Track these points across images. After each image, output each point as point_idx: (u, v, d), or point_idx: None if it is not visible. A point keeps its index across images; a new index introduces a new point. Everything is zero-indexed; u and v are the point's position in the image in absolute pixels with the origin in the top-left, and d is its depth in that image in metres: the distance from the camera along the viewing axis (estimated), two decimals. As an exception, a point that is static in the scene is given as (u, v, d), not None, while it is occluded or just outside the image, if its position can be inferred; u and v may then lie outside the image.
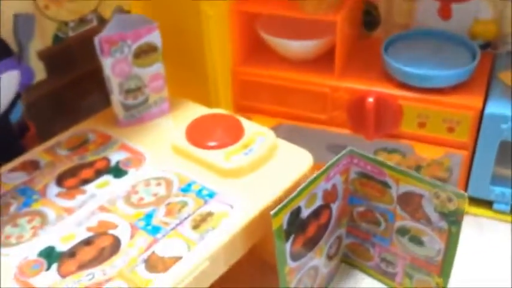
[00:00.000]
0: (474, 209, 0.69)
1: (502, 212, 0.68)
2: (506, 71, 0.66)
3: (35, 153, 0.60)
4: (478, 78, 0.66)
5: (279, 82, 0.70)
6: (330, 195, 0.56)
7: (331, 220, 0.58)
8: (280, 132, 0.72)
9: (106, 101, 0.63)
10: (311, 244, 0.56)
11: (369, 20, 0.75)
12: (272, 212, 0.49)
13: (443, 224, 0.53)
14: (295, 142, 0.70)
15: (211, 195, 0.54)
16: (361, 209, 0.60)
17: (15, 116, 0.62)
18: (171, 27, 0.68)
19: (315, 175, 0.52)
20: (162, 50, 0.62)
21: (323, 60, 0.70)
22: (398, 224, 0.57)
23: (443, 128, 0.65)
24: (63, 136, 0.63)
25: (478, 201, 0.68)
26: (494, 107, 0.62)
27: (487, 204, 0.68)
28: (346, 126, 0.70)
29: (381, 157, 0.70)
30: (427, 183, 0.52)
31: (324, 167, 0.53)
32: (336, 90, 0.68)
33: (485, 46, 0.70)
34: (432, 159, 0.67)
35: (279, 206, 0.49)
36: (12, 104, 0.61)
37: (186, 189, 0.55)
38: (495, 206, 0.68)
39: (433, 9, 0.70)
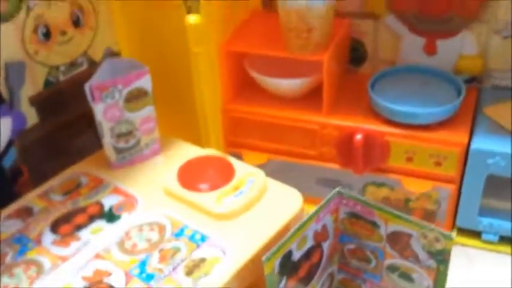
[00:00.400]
0: (463, 240, 0.70)
1: (490, 242, 0.69)
2: (491, 106, 0.68)
3: (29, 199, 0.61)
4: (464, 113, 0.67)
5: (268, 119, 0.72)
6: (320, 235, 0.57)
7: (322, 259, 0.59)
8: (271, 167, 0.74)
9: (97, 141, 0.64)
10: (303, 284, 0.57)
11: (356, 56, 0.76)
12: (264, 258, 0.49)
13: (432, 263, 0.54)
14: (286, 177, 0.71)
15: (203, 239, 0.55)
16: (351, 246, 0.61)
17: (8, 161, 0.63)
18: (160, 67, 0.69)
19: (304, 219, 0.53)
20: (152, 93, 0.63)
21: (312, 97, 0.71)
22: (388, 261, 0.58)
23: (431, 163, 0.66)
24: (56, 180, 0.63)
25: (466, 232, 0.70)
26: (480, 143, 0.63)
27: (476, 234, 0.69)
28: (336, 161, 0.71)
29: (370, 191, 0.72)
30: (415, 224, 0.53)
31: (314, 210, 0.54)
32: (325, 127, 0.69)
33: (471, 80, 0.72)
34: (420, 192, 0.68)
35: (271, 251, 0.50)
36: (5, 149, 0.62)
37: (178, 234, 0.56)
38: (483, 236, 0.69)
39: (418, 45, 0.71)
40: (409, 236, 0.54)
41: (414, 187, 0.68)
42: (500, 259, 0.68)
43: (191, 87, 0.69)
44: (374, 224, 0.57)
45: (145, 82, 0.62)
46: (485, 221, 0.68)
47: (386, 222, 0.56)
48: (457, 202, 0.68)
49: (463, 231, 0.70)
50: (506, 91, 0.70)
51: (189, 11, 0.68)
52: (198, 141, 0.71)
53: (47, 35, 0.62)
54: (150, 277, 0.51)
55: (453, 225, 0.70)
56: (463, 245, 0.70)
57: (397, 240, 0.56)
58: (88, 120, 0.63)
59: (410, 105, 0.65)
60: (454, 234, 0.69)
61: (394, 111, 0.66)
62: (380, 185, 0.70)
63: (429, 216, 0.70)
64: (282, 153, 0.74)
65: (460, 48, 0.70)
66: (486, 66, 0.70)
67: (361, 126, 0.67)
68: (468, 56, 0.70)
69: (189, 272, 0.51)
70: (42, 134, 0.65)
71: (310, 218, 0.54)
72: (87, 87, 0.59)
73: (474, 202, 0.67)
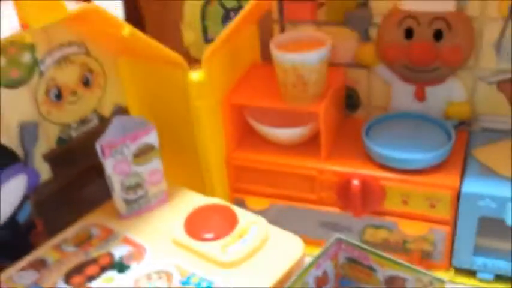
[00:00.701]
0: (459, 279, 0.72)
1: (486, 281, 0.71)
2: (480, 148, 0.71)
3: (43, 251, 0.64)
4: (455, 157, 0.70)
5: (269, 166, 0.75)
6: (321, 281, 0.60)
7: (324, 303, 0.61)
8: (274, 211, 0.77)
9: (106, 190, 0.68)
10: (306, 328, 0.59)
11: (351, 102, 0.80)
12: (267, 305, 0.52)
13: (428, 305, 0.57)
14: (288, 220, 0.74)
15: (209, 287, 0.58)
16: (351, 289, 0.63)
17: (23, 216, 0.66)
18: (166, 120, 0.73)
19: (305, 266, 0.56)
20: (159, 147, 0.67)
21: (311, 143, 0.75)
22: (386, 304, 0.61)
23: (425, 206, 0.69)
24: (69, 232, 0.67)
25: (463, 271, 0.72)
26: (471, 186, 0.66)
27: (472, 273, 0.72)
28: (335, 205, 0.74)
29: (370, 233, 0.74)
30: (409, 268, 0.56)
31: (314, 257, 0.57)
32: (323, 173, 0.72)
33: (460, 124, 0.75)
34: (417, 234, 0.71)
35: (273, 299, 0.53)
36: (20, 204, 0.65)
37: (186, 282, 0.59)
38: (479, 275, 0.71)
39: (408, 92, 0.75)
40: (405, 280, 0.57)
41: (410, 229, 0.71)
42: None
43: (195, 139, 0.73)
44: (371, 269, 0.60)
45: (152, 138, 0.65)
46: (480, 260, 0.70)
47: (383, 267, 0.58)
48: (452, 243, 0.71)
49: (459, 271, 0.72)
50: (495, 133, 0.74)
51: (184, 50, 0.71)
52: (203, 189, 0.75)
53: (59, 96, 0.66)
54: (159, 326, 0.54)
55: (450, 265, 0.72)
56: (460, 283, 0.72)
57: (393, 283, 0.59)
58: (97, 171, 0.67)
59: (404, 151, 0.69)
60: (447, 277, 0.71)
61: (388, 157, 0.69)
62: (378, 227, 0.73)
63: (426, 256, 0.72)
64: (284, 198, 0.77)
65: (449, 94, 0.73)
66: (474, 111, 0.74)
67: (358, 171, 0.71)
68: (456, 102, 0.74)
69: (197, 320, 0.54)
70: (55, 188, 0.69)
71: (310, 265, 0.57)
72: (97, 145, 0.63)
73: (468, 243, 0.69)
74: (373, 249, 0.58)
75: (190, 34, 0.93)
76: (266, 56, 0.78)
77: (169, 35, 0.94)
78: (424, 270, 0.55)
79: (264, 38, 0.79)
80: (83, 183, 0.73)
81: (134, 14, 1.01)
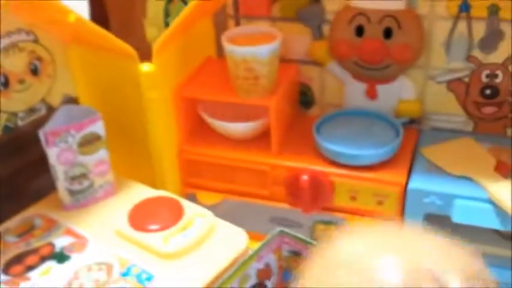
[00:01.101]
0: (407, 276, 0.72)
1: (433, 278, 0.71)
2: (429, 147, 0.72)
3: (-16, 241, 0.63)
4: (403, 154, 0.71)
5: (221, 161, 0.75)
6: (264, 273, 0.60)
7: (267, 296, 0.61)
8: (226, 206, 0.77)
9: (53, 184, 0.67)
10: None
11: (305, 100, 0.80)
12: (204, 296, 0.52)
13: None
14: (240, 216, 0.74)
15: (149, 278, 0.57)
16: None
17: (-35, 204, 0.65)
18: (116, 112, 0.73)
19: (244, 258, 0.56)
20: (105, 137, 0.66)
21: (263, 138, 0.75)
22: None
23: (373, 202, 0.70)
24: (12, 222, 0.65)
25: (410, 269, 0.72)
26: (417, 182, 0.67)
27: (419, 270, 0.72)
28: (286, 201, 0.74)
29: (320, 228, 0.74)
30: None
31: (254, 250, 0.57)
32: (275, 168, 0.72)
33: (411, 122, 0.76)
34: (365, 230, 0.71)
35: (211, 290, 0.53)
36: (-38, 193, 0.64)
37: (126, 274, 0.58)
38: (426, 272, 0.71)
39: (361, 90, 0.75)
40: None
41: (358, 225, 0.71)
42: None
43: (146, 131, 0.72)
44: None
45: (98, 127, 0.65)
46: (427, 257, 0.70)
47: (324, 260, 0.58)
48: (400, 239, 0.71)
49: (407, 267, 0.73)
50: (444, 133, 0.74)
51: (146, 45, 0.71)
52: (153, 183, 0.74)
53: (6, 83, 0.65)
54: (95, 317, 0.53)
55: (398, 262, 0.73)
56: (408, 280, 0.73)
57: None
58: (45, 163, 0.66)
59: (353, 147, 0.69)
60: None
61: (337, 153, 0.69)
62: (327, 223, 0.73)
63: (375, 253, 0.73)
64: (236, 193, 0.76)
65: (399, 92, 0.74)
66: (424, 109, 0.75)
67: (307, 167, 0.71)
68: (407, 100, 0.74)
69: (134, 311, 0.54)
70: (0, 178, 0.68)
71: (251, 257, 0.57)
72: (41, 133, 0.62)
73: (415, 239, 0.70)
74: (315, 242, 0.58)
75: (153, 30, 0.93)
76: (222, 52, 0.78)
77: (133, 31, 0.94)
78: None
79: (220, 34, 0.79)
80: (30, 175, 0.72)
81: (99, 10, 1.01)
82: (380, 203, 0.69)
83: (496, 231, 0.71)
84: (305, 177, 0.70)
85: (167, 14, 0.92)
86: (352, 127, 0.73)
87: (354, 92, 0.76)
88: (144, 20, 0.93)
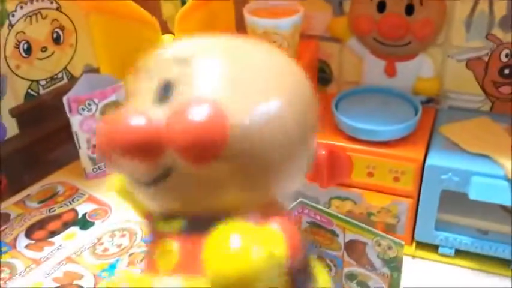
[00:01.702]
0: (421, 253, 0.73)
1: (447, 256, 0.72)
2: (446, 125, 0.72)
3: (6, 206, 0.64)
4: (421, 132, 0.71)
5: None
6: (283, 244, 0.61)
7: (285, 266, 0.62)
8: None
9: (76, 153, 0.67)
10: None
11: (323, 76, 0.80)
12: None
13: (386, 270, 0.57)
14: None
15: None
16: (313, 255, 0.64)
17: (-13, 169, 0.66)
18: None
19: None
20: (127, 107, 0.66)
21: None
22: (346, 270, 0.61)
23: (390, 178, 0.70)
24: (33, 189, 0.66)
25: (424, 245, 0.73)
26: (435, 159, 0.67)
27: (433, 247, 0.73)
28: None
29: (336, 204, 0.75)
30: (369, 231, 0.57)
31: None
32: (292, 143, 0.73)
33: (428, 101, 0.76)
34: (381, 206, 0.72)
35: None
36: (-16, 158, 0.65)
37: (148, 240, 0.59)
38: (440, 250, 0.72)
39: (379, 67, 0.76)
40: (365, 244, 0.58)
41: (375, 201, 0.72)
42: (456, 272, 0.72)
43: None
44: (333, 233, 0.60)
45: (120, 96, 0.65)
46: (442, 235, 0.71)
47: (344, 231, 0.59)
48: (415, 216, 0.72)
49: (421, 245, 0.73)
50: (462, 112, 0.75)
51: (162, 23, 0.72)
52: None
53: (28, 50, 0.66)
54: (118, 279, 0.54)
55: (412, 239, 0.74)
56: (421, 258, 0.74)
57: (354, 248, 0.59)
58: (67, 132, 0.67)
59: (371, 123, 0.70)
60: (409, 251, 0.72)
61: (356, 129, 0.70)
62: (344, 199, 0.74)
63: (390, 229, 0.73)
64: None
65: (418, 70, 0.74)
66: (442, 88, 0.75)
67: (325, 142, 0.71)
68: (425, 78, 0.75)
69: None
70: (21, 145, 0.68)
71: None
72: (65, 100, 0.63)
73: (430, 217, 0.70)
74: (334, 213, 0.59)
75: (169, 6, 0.93)
76: (241, 28, 0.78)
77: (150, 7, 0.94)
78: (383, 234, 0.56)
79: (240, 9, 0.79)
80: (51, 144, 0.73)
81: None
82: (397, 179, 0.70)
83: (510, 212, 0.72)
84: (323, 151, 0.70)
85: (184, -10, 0.92)
86: (370, 104, 0.74)
87: (373, 69, 0.76)
88: (161, -4, 0.93)
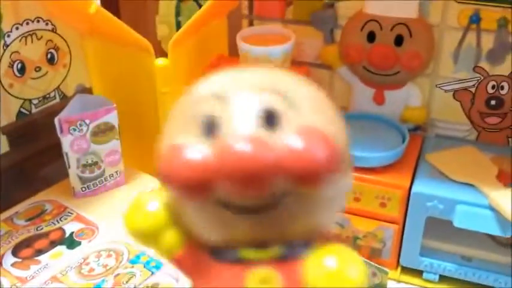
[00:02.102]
0: (406, 278, 0.74)
1: (431, 281, 0.73)
2: (433, 153, 0.74)
3: (-6, 222, 0.64)
4: (408, 159, 0.73)
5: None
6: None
7: None
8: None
9: (65, 171, 0.68)
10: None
11: (313, 101, 0.82)
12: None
13: (370, 296, 0.58)
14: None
15: (158, 266, 0.58)
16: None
17: (-23, 186, 0.66)
18: (129, 104, 0.74)
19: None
20: (118, 128, 0.67)
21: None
22: (330, 294, 0.62)
23: (376, 204, 0.71)
24: (22, 206, 0.67)
25: (409, 270, 0.74)
26: (421, 187, 0.69)
27: (418, 273, 0.74)
28: (290, 199, 0.75)
29: (322, 228, 0.76)
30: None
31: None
32: (280, 167, 0.74)
33: (416, 129, 0.78)
34: (367, 231, 0.73)
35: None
36: (-26, 175, 0.65)
37: (134, 261, 0.59)
38: (425, 275, 0.73)
39: (368, 95, 0.77)
40: (349, 270, 0.59)
41: (361, 226, 0.73)
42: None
43: (158, 124, 0.74)
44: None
45: (112, 118, 0.66)
46: (426, 261, 0.72)
47: (329, 257, 0.60)
48: (400, 242, 0.73)
49: (406, 270, 0.74)
50: (448, 140, 0.76)
51: (156, 44, 0.73)
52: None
53: (22, 70, 0.67)
54: (103, 300, 0.54)
55: (397, 264, 0.74)
56: (406, 283, 0.74)
57: (338, 273, 0.60)
58: (57, 151, 0.67)
59: (359, 150, 0.71)
60: (394, 276, 0.73)
61: (344, 155, 0.71)
62: (331, 223, 0.75)
63: (375, 254, 0.74)
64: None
65: (406, 99, 0.76)
66: (430, 116, 0.77)
67: (314, 167, 0.72)
68: (413, 107, 0.76)
69: (142, 297, 0.55)
70: (12, 162, 0.69)
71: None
72: (56, 120, 0.63)
73: (415, 242, 0.71)
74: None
75: (163, 28, 0.94)
76: (233, 51, 0.80)
77: (144, 28, 0.95)
78: (367, 261, 0.57)
79: (233, 34, 0.80)
80: (42, 162, 0.73)
81: (111, 5, 1.02)
82: (383, 205, 0.71)
83: (494, 240, 0.73)
84: (311, 176, 0.71)
85: (178, 13, 0.93)
86: (358, 130, 0.75)
87: (362, 97, 0.78)
88: (156, 17, 0.94)
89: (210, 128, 0.29)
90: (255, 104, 0.29)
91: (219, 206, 0.29)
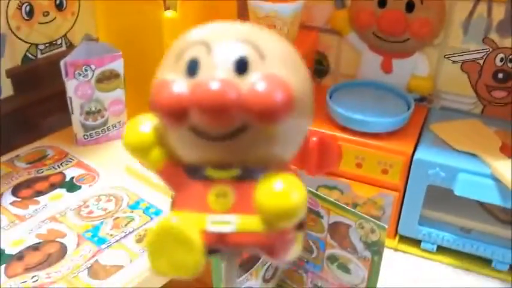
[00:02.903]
0: (403, 247, 0.74)
1: (429, 251, 0.73)
2: (437, 123, 0.73)
3: (-6, 163, 0.64)
4: (412, 128, 0.73)
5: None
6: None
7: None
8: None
9: (68, 122, 0.67)
10: (247, 266, 0.60)
11: (320, 69, 0.81)
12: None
13: (367, 254, 0.58)
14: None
15: (157, 213, 0.58)
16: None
17: (-22, 127, 0.65)
18: (136, 56, 0.73)
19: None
20: (124, 77, 0.67)
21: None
22: (328, 252, 0.62)
23: (378, 170, 0.71)
24: (23, 150, 0.66)
25: (407, 240, 0.74)
26: (423, 154, 0.68)
27: (416, 242, 0.74)
28: (293, 163, 0.75)
29: (323, 193, 0.76)
30: (353, 214, 0.57)
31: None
32: (284, 128, 0.74)
33: (422, 100, 0.78)
34: (367, 197, 0.73)
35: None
36: (-23, 115, 0.65)
37: (134, 206, 0.59)
38: (422, 245, 0.73)
39: (376, 63, 0.77)
40: (348, 226, 0.58)
41: (362, 192, 0.73)
42: (437, 268, 0.72)
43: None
44: (318, 214, 0.61)
45: (118, 65, 0.66)
46: (425, 230, 0.72)
47: (329, 213, 0.60)
48: (400, 210, 0.72)
49: (404, 239, 0.74)
50: (453, 112, 0.76)
51: (167, 8, 0.73)
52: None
53: (30, 13, 0.66)
54: (101, 241, 0.54)
55: (396, 233, 0.74)
56: (404, 252, 0.74)
57: (337, 230, 0.60)
58: (61, 99, 0.67)
59: (363, 115, 0.70)
60: (391, 244, 0.73)
61: (348, 119, 0.71)
62: (332, 188, 0.75)
63: (374, 222, 0.74)
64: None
65: (413, 68, 0.76)
66: (436, 87, 0.76)
67: (317, 129, 0.72)
68: (420, 77, 0.76)
69: (140, 240, 0.54)
70: (15, 107, 0.68)
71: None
72: (62, 63, 0.63)
73: (415, 211, 0.71)
74: (321, 194, 0.59)
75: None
76: (242, 15, 0.79)
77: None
78: (366, 217, 0.56)
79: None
80: (45, 110, 0.73)
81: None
82: (385, 171, 0.71)
83: (494, 216, 0.73)
84: (314, 138, 0.71)
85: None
86: (364, 97, 0.75)
87: (370, 64, 0.78)
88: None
89: (193, 69, 0.35)
90: (231, 53, 0.35)
91: (192, 132, 0.35)
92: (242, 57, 0.35)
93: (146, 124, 0.39)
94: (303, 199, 0.35)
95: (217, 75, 0.34)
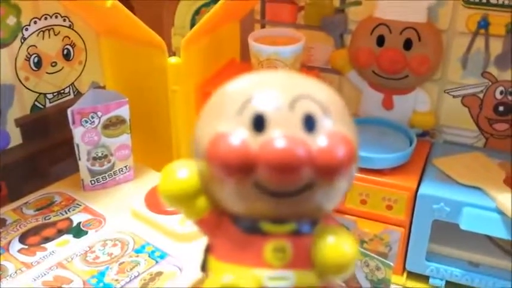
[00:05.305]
0: (412, 283, 0.73)
1: (437, 287, 0.72)
2: (440, 158, 0.74)
3: (3, 211, 0.65)
4: (415, 163, 0.73)
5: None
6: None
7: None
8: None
9: (75, 168, 0.69)
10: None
11: (322, 106, 0.82)
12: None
13: (374, 292, 0.58)
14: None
15: (162, 256, 0.59)
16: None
17: (-12, 176, 0.67)
18: (141, 102, 0.75)
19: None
20: (130, 122, 0.68)
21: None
22: (335, 292, 0.62)
23: (383, 206, 0.71)
24: (31, 197, 0.68)
25: (415, 276, 0.73)
26: (427, 189, 0.68)
27: (424, 278, 0.73)
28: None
29: (328, 231, 0.76)
30: (358, 252, 0.57)
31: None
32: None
33: (424, 134, 0.78)
34: (373, 234, 0.73)
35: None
36: (-13, 164, 0.67)
37: (139, 251, 0.59)
38: (431, 281, 0.72)
39: (377, 100, 0.78)
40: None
41: (367, 228, 0.72)
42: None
43: (168, 122, 0.75)
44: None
45: (124, 111, 0.67)
46: (432, 265, 0.71)
47: (333, 252, 0.60)
48: (406, 246, 0.72)
49: (412, 275, 0.73)
50: (456, 146, 0.76)
51: (172, 53, 0.75)
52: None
53: (38, 64, 0.68)
54: (106, 287, 0.55)
55: (403, 269, 0.74)
56: (411, 288, 0.74)
57: (342, 269, 0.60)
58: (69, 147, 0.68)
59: (367, 151, 0.71)
60: (399, 280, 0.73)
61: (351, 156, 0.71)
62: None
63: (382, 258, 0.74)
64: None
65: (414, 104, 0.76)
66: (438, 122, 0.77)
67: (321, 168, 0.72)
68: (421, 112, 0.77)
69: (145, 285, 0.55)
70: (24, 155, 0.70)
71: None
72: (69, 111, 0.65)
73: (422, 247, 0.71)
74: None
75: (179, 39, 0.96)
76: (245, 57, 0.81)
77: (158, 28, 0.97)
78: (371, 254, 0.56)
79: (246, 39, 0.82)
80: (53, 158, 0.74)
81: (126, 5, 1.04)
82: (389, 207, 0.71)
83: (500, 248, 0.72)
84: (318, 177, 0.72)
85: (193, 26, 0.95)
86: (367, 134, 0.75)
87: (371, 102, 0.79)
88: (171, 28, 0.96)
89: (260, 124, 0.35)
90: (299, 109, 0.35)
91: (254, 187, 0.35)
92: (309, 113, 0.35)
93: (185, 171, 0.38)
94: (355, 249, 0.36)
95: (287, 132, 0.34)
